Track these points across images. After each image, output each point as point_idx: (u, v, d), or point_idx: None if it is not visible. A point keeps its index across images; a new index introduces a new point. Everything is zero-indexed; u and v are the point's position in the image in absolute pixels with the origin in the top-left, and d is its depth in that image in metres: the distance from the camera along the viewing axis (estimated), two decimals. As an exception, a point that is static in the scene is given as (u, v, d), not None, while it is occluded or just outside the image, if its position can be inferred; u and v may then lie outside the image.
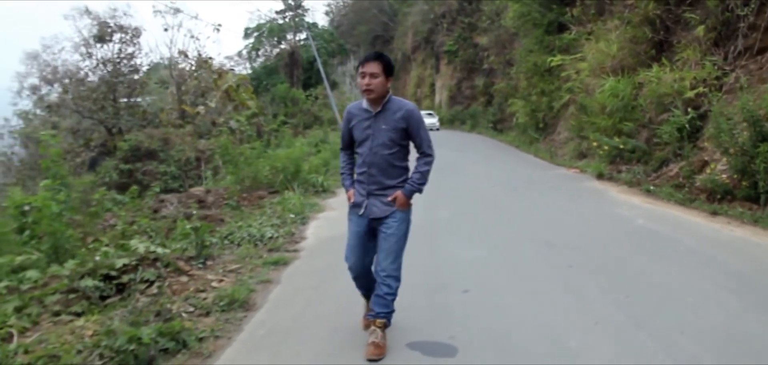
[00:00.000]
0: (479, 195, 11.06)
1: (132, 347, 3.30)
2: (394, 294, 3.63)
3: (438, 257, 6.11)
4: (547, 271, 5.62)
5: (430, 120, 35.37)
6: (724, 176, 9.75)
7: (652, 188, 11.21)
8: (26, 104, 31.07)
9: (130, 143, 19.22)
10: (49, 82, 28.40)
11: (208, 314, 4.25)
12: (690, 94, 11.92)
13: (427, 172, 3.67)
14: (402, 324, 3.91)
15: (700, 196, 9.80)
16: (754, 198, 8.76)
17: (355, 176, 3.73)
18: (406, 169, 3.69)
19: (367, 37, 58.57)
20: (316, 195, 10.67)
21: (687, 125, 11.45)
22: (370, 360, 3.51)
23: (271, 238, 6.86)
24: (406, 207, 3.64)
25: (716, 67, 12.09)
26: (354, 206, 3.69)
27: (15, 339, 3.71)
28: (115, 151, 23.73)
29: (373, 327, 3.66)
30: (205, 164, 17.82)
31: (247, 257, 5.99)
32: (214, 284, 4.95)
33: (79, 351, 3.43)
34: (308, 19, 45.87)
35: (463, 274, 5.41)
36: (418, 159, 3.70)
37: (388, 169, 3.58)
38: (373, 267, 3.80)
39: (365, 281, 3.79)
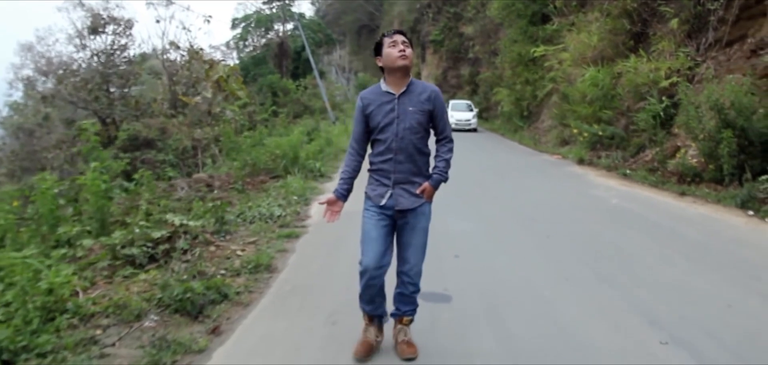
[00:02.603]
0: (467, 179, 11.79)
1: (187, 295, 4.03)
2: (419, 290, 3.48)
3: (432, 230, 6.84)
4: (527, 240, 6.44)
5: (461, 116, 27.39)
6: (693, 160, 10.60)
7: (628, 172, 12.04)
8: (20, 95, 31.32)
9: (128, 133, 19.73)
10: (44, 74, 28.70)
11: (239, 275, 4.98)
12: (665, 83, 12.73)
13: (451, 159, 3.45)
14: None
15: (672, 178, 10.64)
16: (719, 180, 9.58)
17: (374, 165, 3.36)
18: (429, 156, 3.44)
19: (353, 26, 59.03)
20: (315, 179, 11.37)
21: (661, 113, 12.24)
22: (408, 359, 3.38)
23: (279, 216, 7.57)
24: (431, 199, 3.43)
25: (689, 58, 12.92)
26: (375, 197, 3.32)
27: (81, 294, 4.40)
28: (110, 141, 24.10)
29: (399, 326, 3.50)
30: (202, 152, 18.39)
31: (262, 232, 6.71)
32: (238, 252, 5.67)
33: (139, 302, 4.14)
34: (294, 9, 46.22)
35: (455, 243, 6.19)
36: (439, 145, 3.50)
37: (415, 155, 3.30)
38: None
39: (379, 288, 3.37)
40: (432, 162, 3.48)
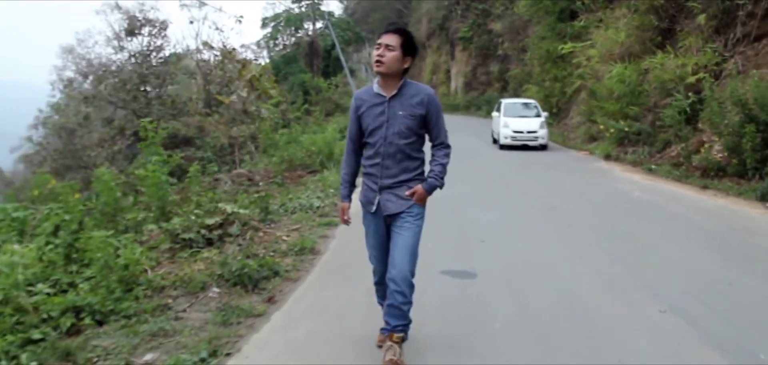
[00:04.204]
0: (495, 174, 12.27)
1: (245, 271, 4.64)
2: (410, 302, 3.21)
3: (460, 219, 7.39)
4: (549, 228, 6.93)
5: (522, 125, 17.50)
6: (718, 155, 10.84)
7: (653, 167, 12.31)
8: (60, 96, 32.62)
9: (167, 131, 20.64)
10: (84, 75, 29.92)
11: (286, 256, 5.58)
12: (691, 79, 12.89)
13: (447, 165, 3.31)
14: (434, 259, 5.17)
15: (696, 173, 10.89)
16: (742, 174, 9.81)
17: (365, 169, 3.33)
18: (423, 161, 3.31)
19: (381, 24, 59.19)
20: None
21: (687, 109, 12.42)
22: None
23: (318, 207, 8.17)
24: (424, 203, 3.29)
25: (716, 54, 13.06)
26: (366, 204, 3.32)
27: (149, 271, 5.03)
28: (148, 139, 25.01)
29: (389, 343, 3.19)
30: (239, 149, 19.17)
31: (303, 220, 7.31)
32: (284, 238, 6.27)
33: (203, 277, 4.75)
34: (323, 7, 46.97)
35: (481, 230, 6.72)
36: (435, 150, 3.33)
37: (403, 161, 3.19)
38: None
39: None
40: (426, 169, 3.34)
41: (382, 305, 3.51)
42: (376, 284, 3.54)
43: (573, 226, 6.97)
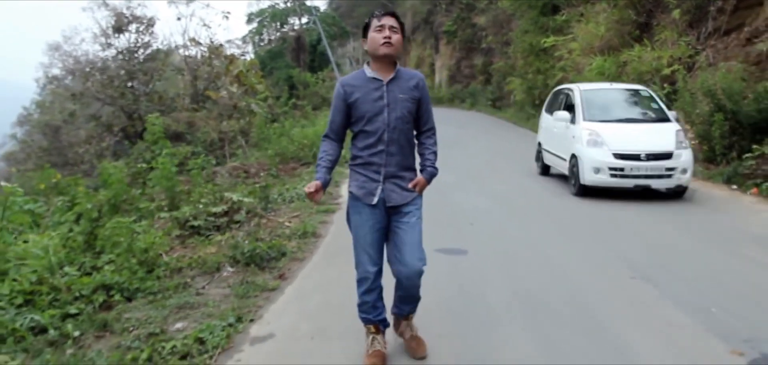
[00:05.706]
0: (480, 164, 12.76)
1: (256, 251, 5.07)
2: (420, 286, 3.22)
3: (449, 207, 7.87)
4: (533, 212, 7.46)
5: (637, 143, 7.97)
6: (690, 142, 11.44)
7: (630, 154, 12.87)
8: (46, 93, 32.61)
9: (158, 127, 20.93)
10: (71, 73, 29.95)
11: (290, 239, 6.02)
12: (666, 71, 13.54)
13: (437, 150, 3.28)
14: (427, 238, 5.60)
15: (669, 160, 11.48)
16: (711, 159, 10.44)
17: (360, 159, 3.10)
18: (415, 147, 3.24)
19: (365, 18, 59.85)
20: (340, 165, 12.38)
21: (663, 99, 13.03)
22: (420, 358, 3.28)
23: (315, 196, 8.60)
24: (422, 192, 3.23)
25: (690, 47, 13.71)
26: (365, 196, 3.07)
27: (164, 255, 5.44)
28: (136, 135, 25.24)
29: (405, 323, 3.38)
30: (229, 143, 19.49)
31: (302, 208, 7.74)
32: (286, 224, 6.71)
33: (216, 258, 5.18)
34: (309, 2, 47.17)
35: (470, 215, 7.24)
36: (424, 137, 3.27)
37: (406, 146, 3.11)
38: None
39: (380, 292, 3.22)
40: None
41: (371, 320, 3.24)
42: (367, 290, 3.18)
43: (555, 209, 7.54)
